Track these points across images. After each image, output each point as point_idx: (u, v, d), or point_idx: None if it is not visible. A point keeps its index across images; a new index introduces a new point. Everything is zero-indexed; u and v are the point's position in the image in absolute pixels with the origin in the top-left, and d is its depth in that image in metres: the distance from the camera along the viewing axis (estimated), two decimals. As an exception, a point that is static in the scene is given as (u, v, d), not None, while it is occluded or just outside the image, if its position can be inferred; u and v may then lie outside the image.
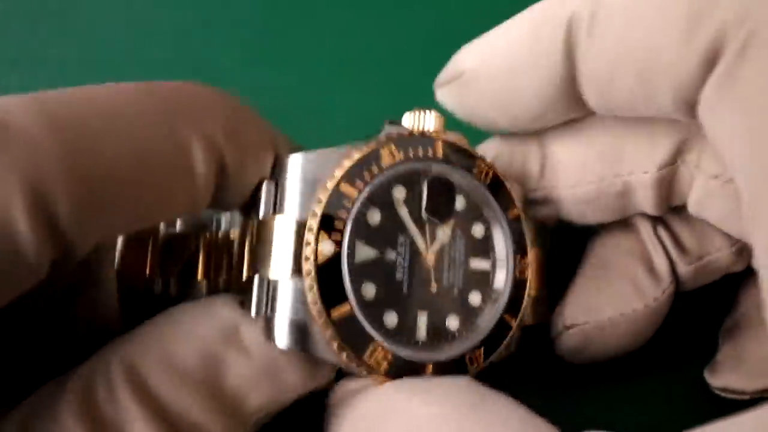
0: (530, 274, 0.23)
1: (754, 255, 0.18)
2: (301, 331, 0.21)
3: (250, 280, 0.21)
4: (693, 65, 0.19)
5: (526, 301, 0.23)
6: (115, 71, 0.32)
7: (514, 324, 0.23)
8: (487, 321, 0.22)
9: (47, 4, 0.33)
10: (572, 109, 0.22)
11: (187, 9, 0.33)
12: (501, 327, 0.22)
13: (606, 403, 0.27)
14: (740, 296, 0.27)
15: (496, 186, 0.23)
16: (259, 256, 0.21)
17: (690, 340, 0.27)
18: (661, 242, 0.25)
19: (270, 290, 0.21)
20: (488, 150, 0.25)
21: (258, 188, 0.22)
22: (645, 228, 0.25)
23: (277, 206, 0.21)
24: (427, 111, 0.22)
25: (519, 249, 0.23)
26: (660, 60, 0.19)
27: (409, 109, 0.23)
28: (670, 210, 0.25)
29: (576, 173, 0.24)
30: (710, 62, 0.18)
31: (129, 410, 0.19)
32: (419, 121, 0.22)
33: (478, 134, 0.25)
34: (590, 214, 0.24)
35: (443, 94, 0.24)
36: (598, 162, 0.24)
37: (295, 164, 0.21)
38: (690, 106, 0.20)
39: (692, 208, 0.24)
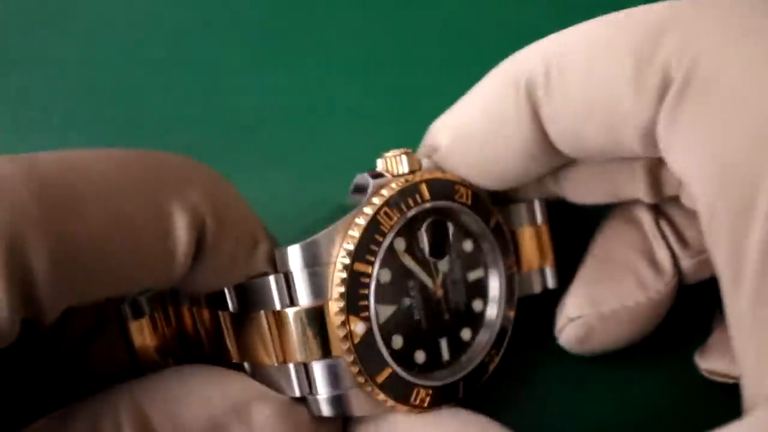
0: (519, 271, 0.26)
1: (717, 275, 0.19)
2: (339, 401, 0.22)
3: (241, 365, 0.23)
4: (650, 108, 0.19)
5: (517, 293, 0.25)
6: (115, 71, 0.32)
7: (513, 315, 0.25)
8: (493, 320, 0.25)
9: (47, 4, 0.33)
10: (555, 159, 0.23)
11: (188, 9, 0.33)
12: (505, 322, 0.25)
13: (603, 386, 0.28)
14: None
15: (476, 202, 0.24)
16: (284, 345, 0.22)
17: (688, 326, 0.28)
18: (664, 236, 0.25)
19: (307, 373, 0.22)
20: None
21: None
22: (647, 221, 0.26)
23: (289, 300, 0.22)
24: (398, 156, 0.23)
25: (505, 250, 0.25)
26: (618, 109, 0.20)
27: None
28: (671, 202, 0.25)
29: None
30: (662, 91, 0.19)
31: None
32: (394, 166, 0.23)
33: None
34: (587, 192, 0.25)
35: (428, 164, 0.24)
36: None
37: (297, 255, 0.22)
38: (653, 143, 0.20)
39: (684, 199, 0.24)
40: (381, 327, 0.22)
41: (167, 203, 0.19)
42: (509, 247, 0.25)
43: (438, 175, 0.24)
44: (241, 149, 0.30)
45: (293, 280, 0.22)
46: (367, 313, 0.22)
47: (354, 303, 0.22)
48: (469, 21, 0.32)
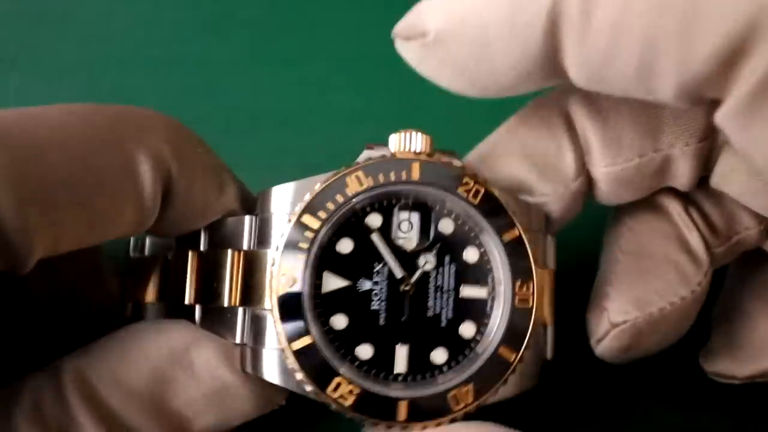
0: (536, 301, 0.21)
1: None
2: (256, 357, 0.21)
3: (192, 306, 0.22)
4: (706, 62, 0.17)
5: (530, 333, 0.21)
6: (115, 71, 0.32)
7: (514, 359, 0.21)
8: (480, 355, 0.21)
9: (47, 4, 0.33)
10: (551, 81, 0.20)
11: (188, 9, 0.33)
12: (496, 362, 0.21)
13: (603, 385, 0.27)
14: (728, 281, 0.26)
15: (489, 205, 0.21)
16: (246, 291, 0.21)
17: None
18: (695, 223, 0.23)
19: (251, 320, 0.21)
20: (501, 145, 0.23)
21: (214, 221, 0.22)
22: (676, 210, 0.24)
23: (261, 240, 0.22)
24: (414, 132, 0.22)
25: (519, 274, 0.21)
26: (664, 49, 0.17)
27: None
28: (697, 188, 0.23)
29: (612, 151, 0.22)
30: (729, 63, 0.17)
31: (77, 416, 0.20)
32: (405, 143, 0.21)
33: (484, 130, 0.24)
34: (626, 193, 0.23)
35: (402, 48, 0.21)
36: (635, 135, 0.22)
37: (276, 197, 0.22)
38: (697, 100, 0.18)
39: (715, 179, 0.22)
40: (319, 295, 0.20)
41: (130, 149, 0.19)
42: (530, 274, 0.21)
43: (444, 159, 0.21)
44: (241, 149, 0.30)
45: (265, 223, 0.21)
46: (300, 265, 0.20)
47: (289, 254, 0.20)
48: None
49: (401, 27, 0.21)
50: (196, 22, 0.33)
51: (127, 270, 0.26)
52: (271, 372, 0.21)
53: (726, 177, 0.22)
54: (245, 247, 0.22)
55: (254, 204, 0.23)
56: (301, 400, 0.21)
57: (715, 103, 0.18)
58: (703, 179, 0.23)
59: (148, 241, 0.26)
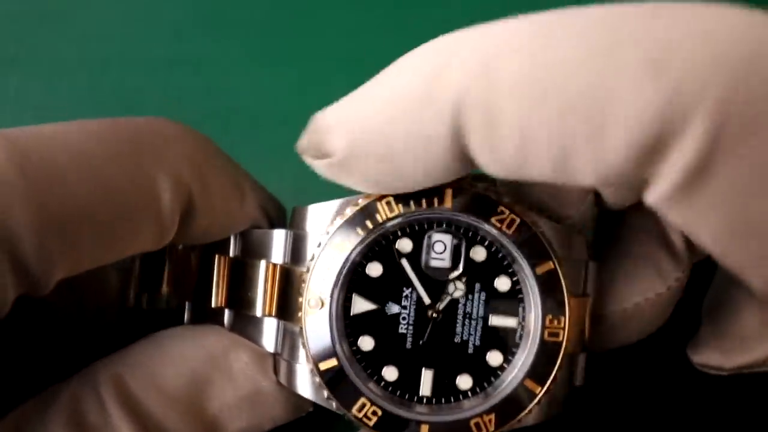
0: (567, 334, 0.21)
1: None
2: (290, 371, 0.22)
3: (220, 309, 0.23)
4: (624, 158, 0.16)
5: (557, 368, 0.20)
6: (115, 71, 0.32)
7: (539, 392, 0.20)
8: (505, 385, 0.21)
9: (47, 4, 0.33)
10: (467, 174, 0.20)
11: (187, 9, 0.33)
12: (521, 393, 0.20)
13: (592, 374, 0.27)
14: (719, 273, 0.26)
15: (524, 236, 0.21)
16: (283, 305, 0.22)
17: (676, 313, 0.27)
18: None
19: (285, 333, 0.22)
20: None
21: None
22: None
23: (294, 257, 0.22)
24: None
25: (550, 308, 0.21)
26: (577, 152, 0.16)
27: None
28: None
29: None
30: (650, 153, 0.16)
31: (117, 421, 0.20)
32: None
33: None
34: (629, 194, 0.22)
35: (312, 165, 0.21)
36: None
37: (311, 216, 0.22)
38: (622, 190, 0.18)
39: None
40: (348, 316, 0.21)
41: (149, 171, 0.19)
42: (562, 308, 0.21)
43: (484, 190, 0.21)
44: (241, 149, 0.30)
45: (300, 240, 0.22)
46: (329, 288, 0.20)
47: (319, 275, 0.21)
48: (470, 21, 0.32)
49: (305, 145, 0.20)
50: (196, 22, 0.33)
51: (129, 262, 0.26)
52: (305, 387, 0.22)
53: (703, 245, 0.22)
54: (280, 261, 0.22)
55: (281, 211, 0.24)
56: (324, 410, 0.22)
57: (635, 194, 0.18)
58: None
59: None
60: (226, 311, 0.23)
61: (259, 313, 0.22)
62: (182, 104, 0.31)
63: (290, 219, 0.23)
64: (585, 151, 0.16)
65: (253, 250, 0.23)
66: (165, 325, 0.23)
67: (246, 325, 0.23)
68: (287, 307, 0.22)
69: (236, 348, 0.22)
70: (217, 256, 0.23)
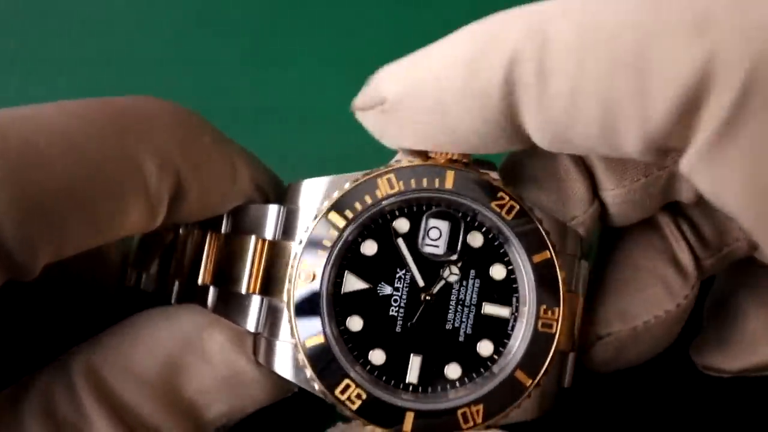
0: (560, 327, 0.20)
1: None
2: (269, 349, 0.21)
3: (206, 287, 0.22)
4: (666, 115, 0.17)
5: (549, 360, 0.20)
6: (115, 71, 0.32)
7: (530, 384, 0.20)
8: (495, 376, 0.20)
9: (47, 3, 0.33)
10: (516, 145, 0.20)
11: (187, 9, 0.33)
12: (511, 385, 0.20)
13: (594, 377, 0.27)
14: (720, 275, 0.26)
15: (522, 222, 0.20)
16: (268, 280, 0.21)
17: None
18: (684, 237, 0.23)
19: (269, 310, 0.21)
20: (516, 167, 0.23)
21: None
22: (666, 223, 0.24)
23: (286, 231, 0.21)
24: None
25: (545, 298, 0.20)
26: (623, 108, 0.17)
27: None
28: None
29: (617, 173, 0.22)
30: (689, 110, 0.16)
31: (90, 412, 0.19)
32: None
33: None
34: (633, 213, 0.23)
35: (363, 119, 0.21)
36: None
37: (306, 191, 0.22)
38: (662, 153, 0.18)
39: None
40: (338, 294, 0.20)
41: (134, 150, 0.19)
42: (557, 299, 0.20)
43: (485, 175, 0.21)
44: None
45: (292, 215, 0.21)
46: (321, 263, 0.20)
47: (312, 249, 0.20)
48: (470, 20, 0.32)
49: (359, 99, 0.21)
50: (196, 22, 0.33)
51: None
52: (283, 365, 0.21)
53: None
54: (270, 236, 0.22)
55: (278, 186, 0.23)
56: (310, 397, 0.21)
57: (674, 161, 0.18)
58: None
59: None
60: (211, 289, 0.22)
61: (243, 289, 0.21)
62: (182, 104, 0.31)
63: (287, 194, 0.22)
64: (632, 107, 0.17)
65: (244, 226, 0.22)
66: (159, 305, 0.23)
67: (229, 304, 0.22)
68: (273, 282, 0.21)
69: (211, 328, 0.21)
70: (209, 232, 0.23)
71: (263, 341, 0.21)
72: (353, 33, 0.34)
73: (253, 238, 0.21)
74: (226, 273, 0.22)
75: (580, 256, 0.22)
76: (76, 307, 0.24)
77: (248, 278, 0.21)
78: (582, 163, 0.22)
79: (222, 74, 0.33)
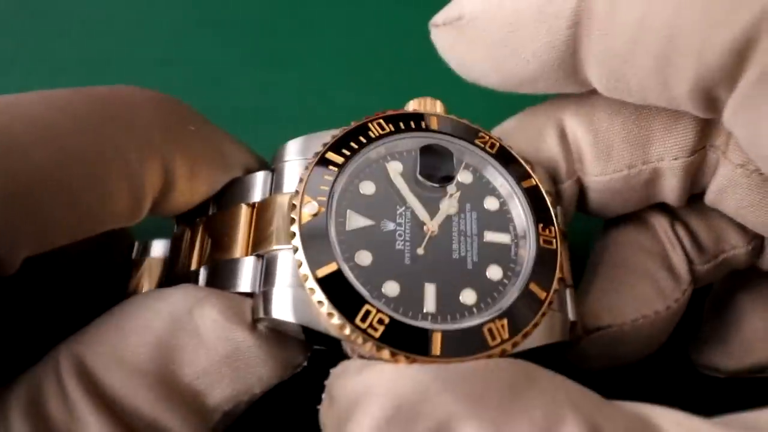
0: (559, 246, 0.21)
1: None
2: (267, 299, 0.20)
3: (197, 272, 0.22)
4: (722, 53, 0.17)
5: (557, 273, 0.21)
6: (115, 71, 0.32)
7: (545, 296, 0.20)
8: (510, 294, 0.20)
9: (47, 3, 0.33)
10: (569, 82, 0.21)
11: (187, 9, 0.33)
12: (529, 298, 0.20)
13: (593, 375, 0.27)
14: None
15: (505, 157, 0.22)
16: (260, 236, 0.21)
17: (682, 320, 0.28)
18: (680, 241, 0.24)
19: (264, 265, 0.20)
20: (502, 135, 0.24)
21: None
22: (662, 226, 0.24)
23: (278, 185, 0.22)
24: (430, 99, 0.23)
25: (540, 218, 0.21)
26: (684, 42, 0.18)
27: None
28: (687, 206, 0.24)
29: (602, 161, 0.22)
30: (742, 54, 0.17)
31: (80, 409, 0.18)
32: (422, 106, 0.23)
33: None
34: (614, 203, 0.23)
35: (436, 35, 0.22)
36: (625, 147, 0.22)
37: (291, 147, 0.22)
38: (709, 101, 0.18)
39: (711, 196, 0.23)
40: (343, 231, 0.20)
41: (117, 140, 0.18)
42: (550, 219, 0.21)
43: (463, 120, 0.23)
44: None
45: (282, 170, 0.22)
46: (324, 198, 0.20)
47: (314, 185, 0.20)
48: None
49: (438, 16, 0.22)
50: (197, 22, 0.33)
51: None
52: (282, 309, 0.19)
53: (723, 192, 0.22)
54: (259, 198, 0.22)
55: (264, 163, 0.23)
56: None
57: (717, 110, 0.19)
58: (693, 198, 0.23)
59: None
60: (202, 269, 0.22)
61: (238, 254, 0.21)
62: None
63: (272, 160, 0.22)
64: (691, 41, 0.17)
65: (231, 199, 0.22)
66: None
67: (221, 274, 0.21)
68: (266, 235, 0.21)
69: (202, 303, 0.19)
70: (197, 220, 0.22)
71: (260, 297, 0.20)
72: (353, 33, 0.34)
73: (243, 206, 0.22)
74: (218, 246, 0.22)
75: (557, 203, 0.23)
76: (83, 303, 0.23)
77: (242, 242, 0.21)
78: (568, 147, 0.23)
79: (222, 74, 0.33)
